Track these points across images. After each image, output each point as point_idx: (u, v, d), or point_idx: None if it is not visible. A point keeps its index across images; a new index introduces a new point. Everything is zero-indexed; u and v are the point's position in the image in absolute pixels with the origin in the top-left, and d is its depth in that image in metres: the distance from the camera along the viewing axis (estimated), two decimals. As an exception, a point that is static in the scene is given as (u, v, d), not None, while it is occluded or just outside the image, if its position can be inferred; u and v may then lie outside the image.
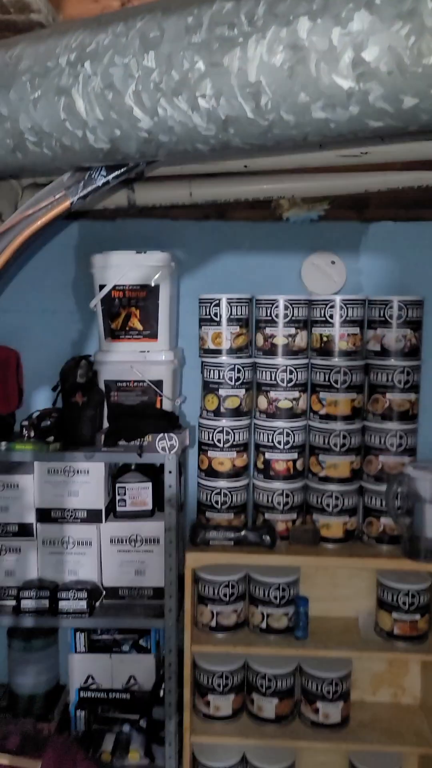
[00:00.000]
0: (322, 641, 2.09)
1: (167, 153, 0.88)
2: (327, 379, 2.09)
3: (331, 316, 2.06)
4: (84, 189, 0.96)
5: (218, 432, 2.13)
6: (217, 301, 2.09)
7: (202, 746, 2.18)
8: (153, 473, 2.18)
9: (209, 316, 2.11)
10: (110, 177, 0.95)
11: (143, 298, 2.08)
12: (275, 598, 2.08)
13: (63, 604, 2.01)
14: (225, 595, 2.09)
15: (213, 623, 2.10)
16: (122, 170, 0.95)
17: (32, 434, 2.07)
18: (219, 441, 2.13)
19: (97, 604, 2.07)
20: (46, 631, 2.23)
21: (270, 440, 2.13)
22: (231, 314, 2.09)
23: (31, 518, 2.10)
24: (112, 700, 2.19)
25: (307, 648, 2.07)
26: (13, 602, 2.08)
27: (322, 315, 2.08)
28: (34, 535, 2.10)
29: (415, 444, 2.13)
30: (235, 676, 2.13)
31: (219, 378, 2.12)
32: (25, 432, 2.08)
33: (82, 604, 2.01)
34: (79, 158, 0.92)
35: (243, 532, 2.08)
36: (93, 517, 2.10)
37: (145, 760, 2.08)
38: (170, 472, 1.98)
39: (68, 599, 2.01)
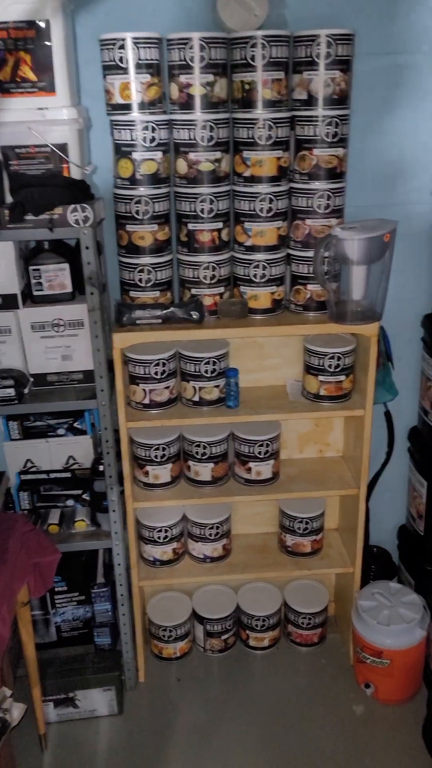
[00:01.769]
0: (253, 408, 2.16)
1: None
2: (250, 135, 1.90)
3: (253, 58, 1.81)
4: None
5: (136, 203, 1.96)
6: (122, 42, 1.78)
7: (145, 511, 2.32)
8: (69, 254, 2.02)
9: (114, 62, 1.81)
10: None
11: (32, 39, 1.74)
12: (206, 372, 2.09)
13: (-11, 393, 1.95)
14: (156, 374, 2.08)
15: (146, 401, 2.12)
16: None
17: None
18: (137, 213, 1.97)
19: (26, 391, 2.02)
20: (-24, 423, 2.20)
21: (192, 209, 1.98)
22: (139, 58, 1.80)
23: None
24: (53, 479, 2.24)
25: (238, 415, 2.14)
26: None
27: (243, 57, 1.82)
28: None
29: (342, 204, 2.03)
30: (172, 446, 2.20)
31: (132, 139, 1.89)
32: None
33: (10, 392, 1.96)
34: None
35: (170, 309, 2.02)
36: (8, 302, 1.96)
37: (92, 528, 2.20)
38: (87, 248, 1.83)
39: (-6, 388, 1.95)
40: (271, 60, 1.82)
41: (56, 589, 2.32)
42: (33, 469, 2.26)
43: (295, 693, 2.35)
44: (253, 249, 2.03)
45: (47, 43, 1.76)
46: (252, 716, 2.26)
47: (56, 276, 1.98)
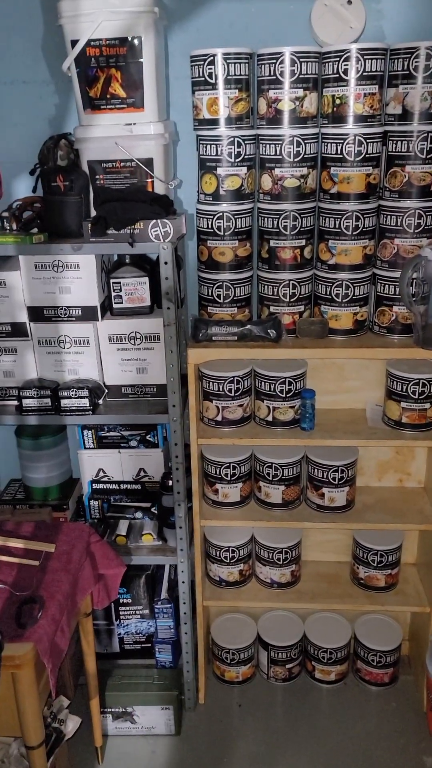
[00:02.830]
0: (329, 432, 2.08)
1: None
2: (339, 151, 1.83)
3: (346, 72, 1.75)
4: None
5: (218, 218, 1.93)
6: (212, 58, 1.77)
7: (213, 529, 2.28)
8: (150, 268, 2.03)
9: (203, 78, 1.80)
10: None
11: (124, 56, 1.76)
12: (281, 392, 2.04)
13: (65, 403, 1.98)
14: (230, 391, 2.05)
15: (219, 418, 2.08)
16: None
17: (14, 226, 1.89)
18: (219, 228, 1.94)
19: (100, 401, 2.04)
20: (53, 430, 2.24)
21: (275, 225, 1.93)
22: (228, 73, 1.78)
23: (23, 317, 1.99)
24: (123, 490, 2.25)
25: (313, 438, 2.06)
26: (15, 402, 2.06)
27: (336, 71, 1.76)
28: (28, 335, 2.01)
29: (435, 223, 1.93)
30: (243, 466, 2.16)
31: (217, 154, 1.87)
32: (6, 224, 1.90)
33: (85, 402, 1.98)
34: None
35: (247, 327, 1.98)
36: (88, 314, 1.98)
37: (158, 542, 2.18)
38: (166, 263, 1.82)
39: (70, 397, 1.98)
40: (366, 74, 1.75)
41: (121, 601, 2.32)
42: (105, 479, 2.27)
43: (361, 734, 2.22)
44: (336, 268, 1.96)
45: (139, 59, 1.77)
46: (314, 753, 2.16)
47: (136, 289, 1.99)
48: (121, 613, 2.34)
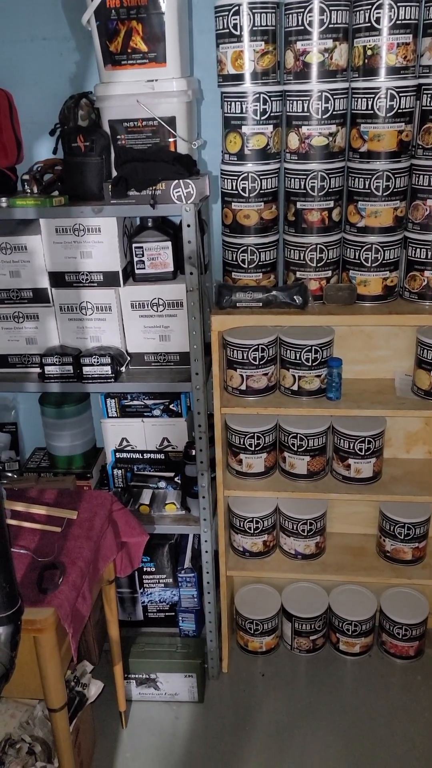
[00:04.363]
0: (355, 401, 2.02)
1: None
2: (370, 106, 1.75)
3: (378, 20, 1.65)
4: None
5: (243, 179, 1.87)
6: (237, 8, 1.69)
7: (237, 499, 2.26)
8: (173, 232, 1.98)
9: (228, 29, 1.73)
10: None
11: (145, 6, 1.69)
12: (307, 360, 1.98)
13: (87, 370, 1.96)
14: (255, 359, 2.00)
15: (243, 386, 2.04)
16: None
17: (35, 189, 1.86)
18: (244, 190, 1.88)
19: (123, 369, 2.01)
20: (76, 399, 2.22)
21: (302, 186, 1.86)
22: (254, 24, 1.70)
23: (45, 283, 1.96)
24: (147, 459, 2.24)
25: (339, 408, 2.01)
26: (37, 369, 2.04)
27: (367, 19, 1.67)
28: (50, 301, 1.99)
29: (471, 183, 1.83)
30: (267, 436, 2.12)
31: (242, 111, 1.80)
32: (27, 187, 1.86)
33: (107, 370, 1.95)
34: None
35: (272, 293, 1.92)
36: (110, 280, 1.95)
37: (181, 512, 2.17)
38: (189, 225, 1.77)
39: (92, 365, 1.95)
40: (399, 22, 1.65)
41: (145, 570, 2.32)
42: (128, 448, 2.26)
43: (386, 707, 2.20)
44: (365, 230, 1.88)
45: (161, 11, 1.70)
46: (337, 724, 2.15)
47: (158, 254, 1.94)
48: (144, 581, 2.34)
